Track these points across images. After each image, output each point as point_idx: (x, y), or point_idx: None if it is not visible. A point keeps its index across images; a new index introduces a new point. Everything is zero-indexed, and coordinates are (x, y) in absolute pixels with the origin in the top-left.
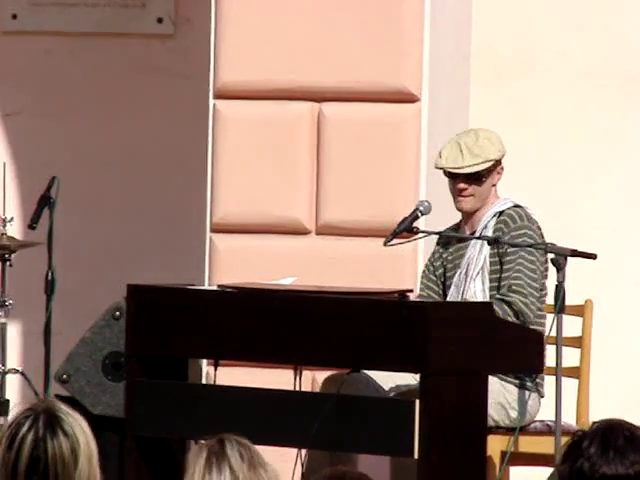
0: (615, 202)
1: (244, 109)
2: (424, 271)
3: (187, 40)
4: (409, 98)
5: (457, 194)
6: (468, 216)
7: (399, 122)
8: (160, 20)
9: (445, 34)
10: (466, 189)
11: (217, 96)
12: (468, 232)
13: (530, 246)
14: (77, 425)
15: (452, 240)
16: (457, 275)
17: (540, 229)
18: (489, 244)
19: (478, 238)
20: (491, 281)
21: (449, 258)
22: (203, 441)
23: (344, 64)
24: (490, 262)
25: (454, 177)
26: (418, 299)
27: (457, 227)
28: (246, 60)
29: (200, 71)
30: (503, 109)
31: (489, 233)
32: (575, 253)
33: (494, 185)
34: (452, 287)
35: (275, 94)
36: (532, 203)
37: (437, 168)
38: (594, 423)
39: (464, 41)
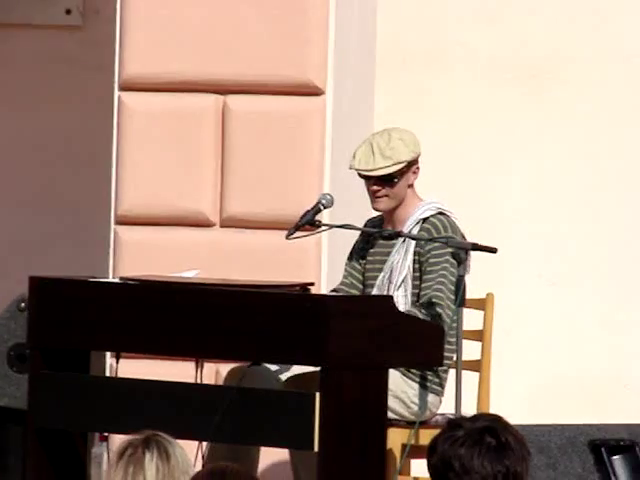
0: (519, 195)
1: (149, 101)
2: (348, 258)
3: (95, 32)
4: (314, 91)
5: (371, 195)
6: (388, 215)
7: (304, 115)
8: (68, 11)
9: (350, 26)
10: (379, 190)
11: (122, 88)
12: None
13: (430, 240)
14: None
15: (374, 234)
16: (380, 278)
17: (464, 237)
18: (390, 238)
19: (380, 234)
20: (413, 287)
21: (372, 251)
22: (130, 436)
23: (249, 57)
24: (413, 268)
25: (367, 179)
26: (339, 285)
27: (380, 223)
28: (151, 52)
29: (108, 63)
30: (409, 102)
31: (413, 241)
32: (476, 247)
33: (410, 185)
34: (375, 289)
35: (180, 86)
36: (437, 196)
37: (350, 169)
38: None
39: (369, 33)
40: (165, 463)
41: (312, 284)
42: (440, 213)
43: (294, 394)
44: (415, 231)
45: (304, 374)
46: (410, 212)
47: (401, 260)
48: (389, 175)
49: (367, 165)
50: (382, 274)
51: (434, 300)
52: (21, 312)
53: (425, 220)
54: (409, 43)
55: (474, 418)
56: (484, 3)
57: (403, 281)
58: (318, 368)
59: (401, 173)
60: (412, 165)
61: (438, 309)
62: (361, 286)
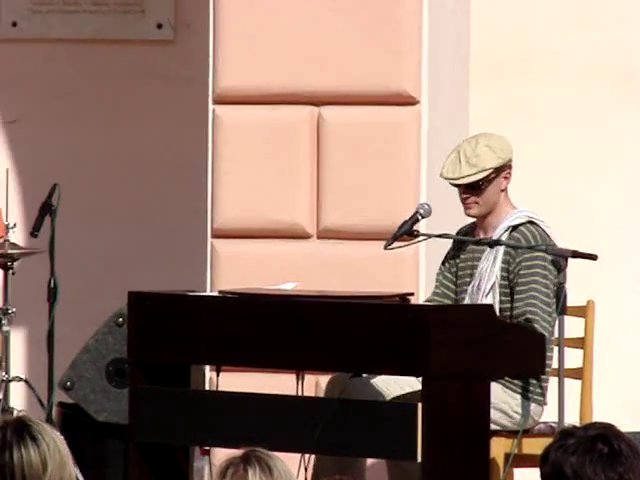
0: (617, 201)
1: (244, 114)
2: (440, 268)
3: (187, 45)
4: (409, 101)
5: (462, 202)
6: (480, 221)
7: (399, 125)
8: (160, 26)
9: (444, 36)
10: (468, 197)
11: (216, 101)
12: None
13: (529, 247)
14: (46, 433)
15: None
16: (471, 287)
17: (555, 246)
18: (490, 247)
19: (478, 242)
20: (501, 295)
21: (462, 257)
22: (230, 450)
23: (343, 68)
24: (501, 276)
25: (457, 186)
26: (431, 296)
27: (472, 229)
28: (245, 65)
29: (200, 76)
30: (503, 110)
31: (501, 248)
32: (576, 254)
33: (503, 190)
34: (467, 297)
35: (274, 99)
36: (533, 203)
37: (440, 177)
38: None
39: (463, 42)
40: (269, 477)
41: (412, 294)
42: (530, 222)
43: (396, 405)
44: (504, 238)
45: (405, 395)
46: (501, 219)
47: (489, 267)
48: (475, 182)
49: (454, 174)
50: (472, 282)
51: (528, 316)
52: (119, 327)
53: (515, 228)
54: (502, 51)
55: (586, 426)
56: (576, 9)
57: (491, 288)
58: (419, 387)
59: (488, 180)
60: (502, 171)
61: (534, 324)
62: (453, 295)
